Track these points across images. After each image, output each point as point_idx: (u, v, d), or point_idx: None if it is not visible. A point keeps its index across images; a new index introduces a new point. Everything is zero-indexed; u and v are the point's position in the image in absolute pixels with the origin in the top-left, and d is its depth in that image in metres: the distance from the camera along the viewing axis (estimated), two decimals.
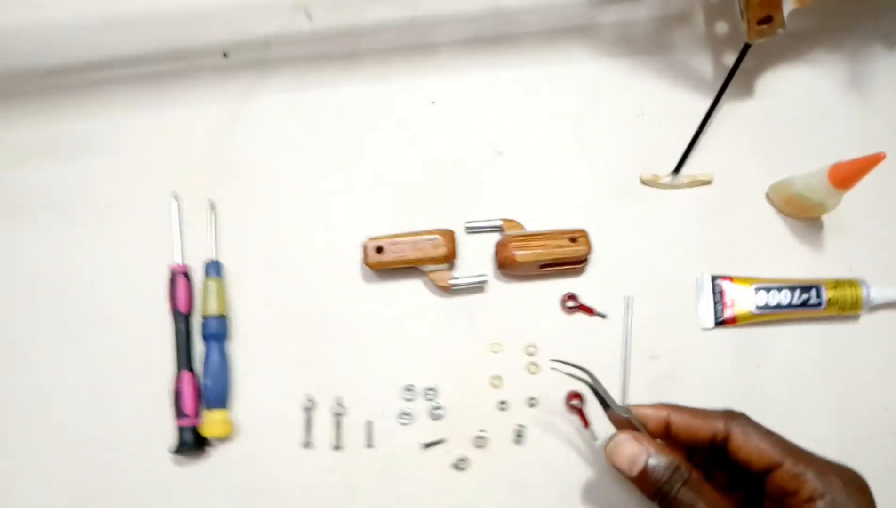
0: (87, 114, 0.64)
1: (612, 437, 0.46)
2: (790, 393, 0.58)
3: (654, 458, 0.43)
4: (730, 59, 0.63)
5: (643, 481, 0.44)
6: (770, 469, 0.42)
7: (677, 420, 0.46)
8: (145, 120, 0.64)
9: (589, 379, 0.49)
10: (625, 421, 0.46)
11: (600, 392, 0.48)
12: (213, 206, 0.61)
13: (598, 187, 0.62)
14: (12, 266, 0.62)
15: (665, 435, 0.46)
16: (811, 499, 0.40)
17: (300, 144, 0.63)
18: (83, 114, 0.64)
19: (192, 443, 0.56)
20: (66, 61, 0.65)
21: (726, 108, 0.63)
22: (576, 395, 0.58)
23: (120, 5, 0.65)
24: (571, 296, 0.60)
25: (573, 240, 0.58)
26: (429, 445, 0.58)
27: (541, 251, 0.57)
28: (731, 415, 0.45)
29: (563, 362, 0.51)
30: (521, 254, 0.57)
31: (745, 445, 0.43)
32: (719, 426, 0.44)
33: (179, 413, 0.56)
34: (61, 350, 0.60)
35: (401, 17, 0.65)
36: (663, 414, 0.46)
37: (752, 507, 0.45)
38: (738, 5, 0.56)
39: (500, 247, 0.58)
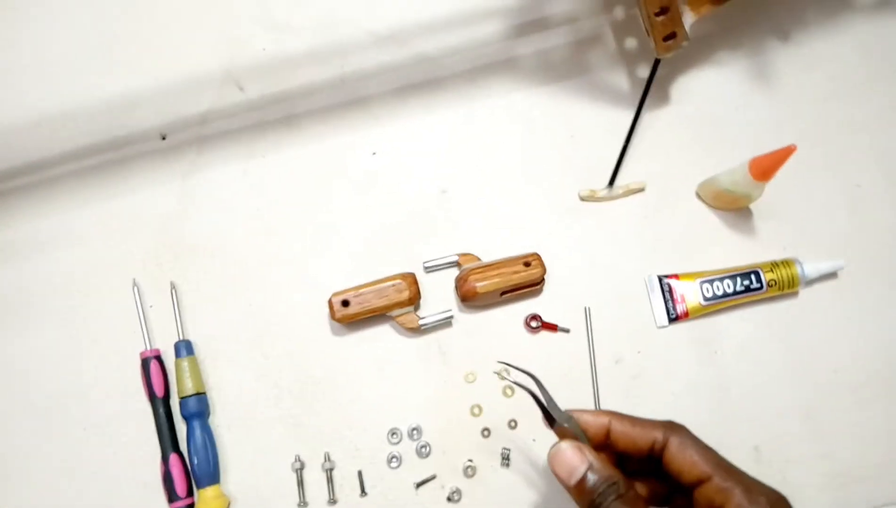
0: (36, 214, 0.64)
1: (554, 444, 0.46)
2: (748, 372, 0.62)
3: (593, 471, 0.44)
4: (643, 72, 0.68)
5: (580, 491, 0.44)
6: (700, 481, 0.42)
7: (617, 427, 0.46)
8: (95, 211, 0.64)
9: (535, 387, 0.49)
10: (568, 431, 0.47)
11: (544, 400, 0.48)
12: (174, 287, 0.62)
13: (541, 209, 0.65)
14: None
15: (605, 442, 0.47)
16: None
17: (251, 212, 0.65)
18: (31, 214, 0.64)
19: None
20: (8, 165, 0.65)
21: (648, 118, 0.67)
22: (534, 317, 0.61)
23: (51, 103, 0.66)
24: (534, 317, 0.62)
25: (527, 264, 0.61)
26: (421, 483, 0.59)
27: (499, 279, 0.60)
28: (671, 426, 0.45)
29: (509, 364, 0.52)
30: (481, 286, 0.60)
31: (679, 456, 0.43)
32: (658, 436, 0.45)
33: (172, 496, 0.57)
34: (43, 455, 0.59)
35: (330, 76, 0.68)
36: (604, 420, 0.47)
37: None
38: (644, 25, 0.60)
39: (461, 282, 0.61)
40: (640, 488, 0.47)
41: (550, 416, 0.48)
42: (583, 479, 0.44)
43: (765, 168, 0.57)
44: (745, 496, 0.41)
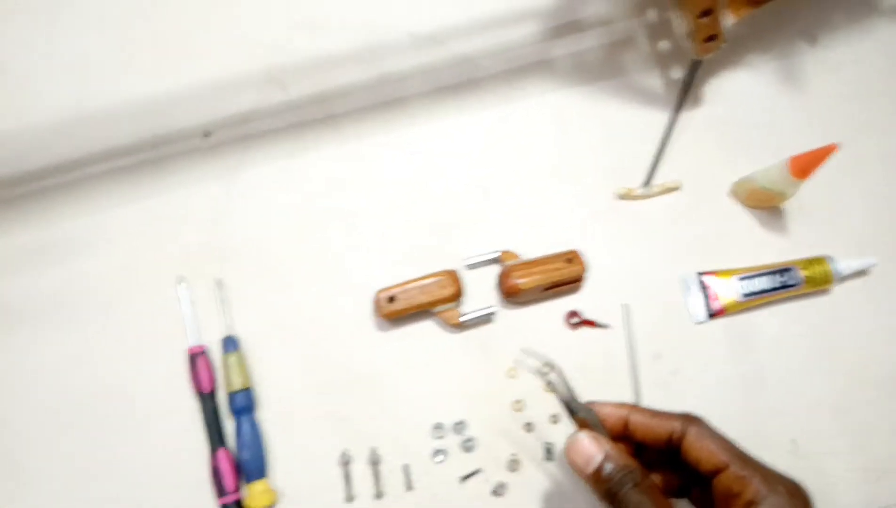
0: (79, 213, 0.65)
1: (571, 435, 0.47)
2: (783, 366, 0.63)
3: (610, 459, 0.45)
4: (677, 73, 0.69)
5: (596, 480, 0.45)
6: (718, 470, 0.43)
7: (636, 418, 0.47)
8: (139, 209, 0.65)
9: (555, 379, 0.49)
10: (586, 422, 0.48)
11: (564, 391, 0.49)
12: (219, 284, 0.62)
13: (579, 208, 0.66)
14: (26, 378, 0.61)
15: (623, 433, 0.48)
16: (752, 502, 0.41)
17: (294, 210, 0.65)
18: (74, 213, 0.65)
19: None
20: (51, 162, 0.65)
21: (682, 119, 0.68)
22: (573, 313, 0.62)
23: (94, 101, 0.66)
24: (574, 313, 0.63)
25: (569, 260, 0.62)
26: (466, 477, 0.60)
27: (541, 276, 0.61)
28: (688, 418, 0.46)
29: (531, 353, 0.52)
30: (523, 282, 0.61)
31: (697, 445, 0.44)
32: (676, 426, 0.45)
33: (221, 491, 0.57)
34: (93, 455, 0.59)
35: (368, 77, 0.69)
36: (623, 412, 0.48)
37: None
38: (684, 27, 0.61)
39: (503, 278, 0.62)
40: (656, 478, 0.48)
41: (570, 407, 0.49)
42: (599, 468, 0.45)
43: (804, 166, 0.58)
44: (762, 484, 0.41)
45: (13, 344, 0.62)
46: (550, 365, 0.51)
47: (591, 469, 0.45)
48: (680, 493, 0.49)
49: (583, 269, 0.62)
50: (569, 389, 0.49)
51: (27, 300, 0.63)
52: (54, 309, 0.62)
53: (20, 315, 0.62)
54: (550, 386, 0.49)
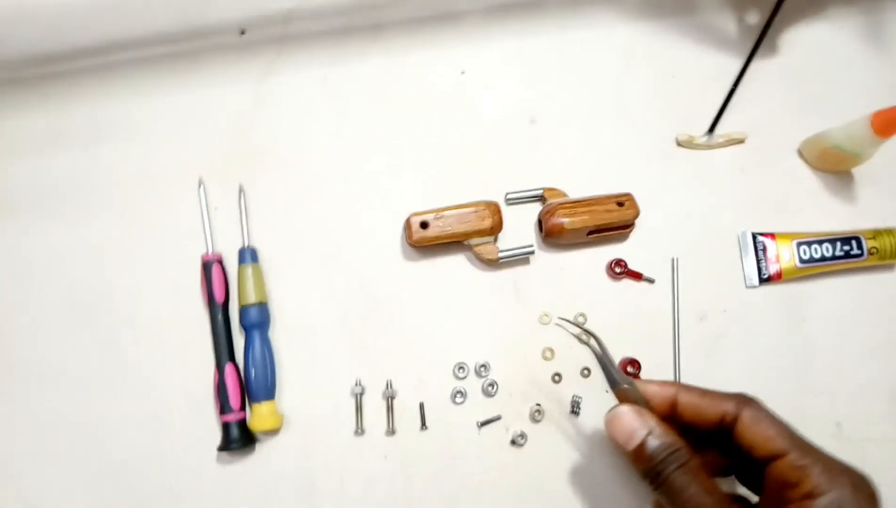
0: (104, 99, 0.61)
1: (612, 408, 0.44)
2: (836, 343, 0.58)
3: (654, 436, 0.41)
4: (752, 18, 0.64)
5: (638, 457, 0.42)
6: (774, 457, 0.40)
7: (685, 398, 0.44)
8: (164, 103, 0.61)
9: (597, 348, 0.47)
10: (629, 395, 0.45)
11: (606, 362, 0.46)
12: (242, 190, 0.58)
13: (634, 151, 0.61)
14: (35, 265, 0.58)
15: (670, 413, 0.44)
16: (811, 495, 0.37)
17: (328, 121, 0.61)
18: (100, 99, 0.61)
19: (240, 439, 0.53)
20: (81, 44, 0.61)
21: (753, 67, 0.63)
22: (631, 362, 0.57)
23: None
24: (619, 262, 0.59)
25: (621, 204, 0.57)
26: (485, 423, 0.56)
27: (588, 217, 0.56)
28: (743, 399, 0.43)
29: (570, 322, 0.50)
30: (568, 222, 0.56)
31: (753, 429, 0.41)
32: (730, 408, 0.42)
33: (224, 408, 0.53)
34: (95, 352, 0.56)
35: None
36: (671, 391, 0.44)
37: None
38: None
39: (546, 216, 0.57)
40: (702, 459, 0.44)
41: (612, 378, 0.45)
42: (642, 444, 0.42)
43: (889, 122, 0.53)
44: (824, 475, 0.38)
45: (30, 228, 0.59)
46: (590, 333, 0.48)
47: (633, 444, 0.42)
48: (726, 472, 0.46)
49: (636, 214, 0.57)
50: (610, 359, 0.46)
51: (48, 184, 0.60)
52: (71, 193, 0.59)
53: (39, 199, 0.59)
54: (592, 351, 0.47)
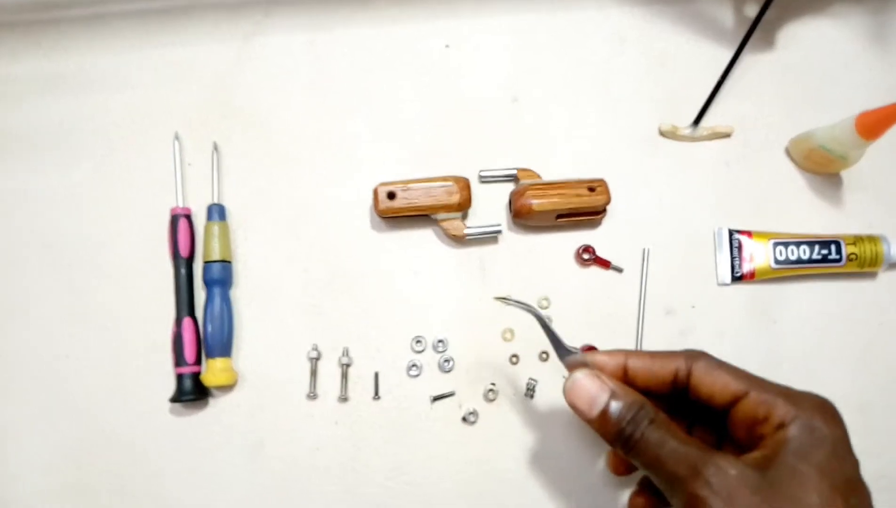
0: (88, 49, 0.61)
1: (569, 377, 0.43)
2: (806, 349, 0.57)
3: (616, 398, 0.40)
4: (751, 9, 0.62)
5: (604, 423, 0.40)
6: (736, 399, 0.39)
7: (635, 363, 0.42)
8: (148, 56, 0.61)
9: (543, 316, 0.46)
10: (580, 364, 0.43)
11: (554, 333, 0.45)
12: (216, 148, 0.58)
13: (614, 137, 0.60)
14: (11, 205, 0.59)
15: (622, 381, 0.43)
16: (782, 424, 0.37)
17: (309, 86, 0.61)
18: (84, 48, 0.61)
19: (192, 392, 0.54)
20: None
21: (747, 59, 0.61)
22: (591, 348, 0.56)
23: None
24: (587, 249, 0.58)
25: (592, 189, 0.56)
26: (438, 398, 0.56)
27: (558, 200, 0.55)
28: (692, 354, 0.42)
29: (508, 300, 0.49)
30: (538, 203, 0.55)
31: (709, 378, 0.40)
32: (681, 364, 0.41)
33: (179, 360, 0.54)
34: (57, 294, 0.57)
35: None
36: (620, 358, 0.43)
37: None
38: None
39: (517, 196, 0.56)
40: None
41: (560, 345, 0.45)
42: (606, 409, 0.40)
43: (874, 124, 0.51)
44: (788, 403, 0.37)
45: (9, 169, 0.60)
46: (533, 312, 0.47)
47: (596, 410, 0.41)
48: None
49: (607, 200, 0.56)
50: (557, 335, 0.45)
51: (30, 128, 0.60)
52: (48, 140, 0.60)
53: (23, 143, 0.60)
54: (538, 321, 0.46)
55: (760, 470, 0.35)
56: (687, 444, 0.37)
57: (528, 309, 0.47)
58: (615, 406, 0.40)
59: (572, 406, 0.42)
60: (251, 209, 0.58)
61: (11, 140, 0.60)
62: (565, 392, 0.42)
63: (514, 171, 0.58)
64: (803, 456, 0.35)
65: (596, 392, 0.41)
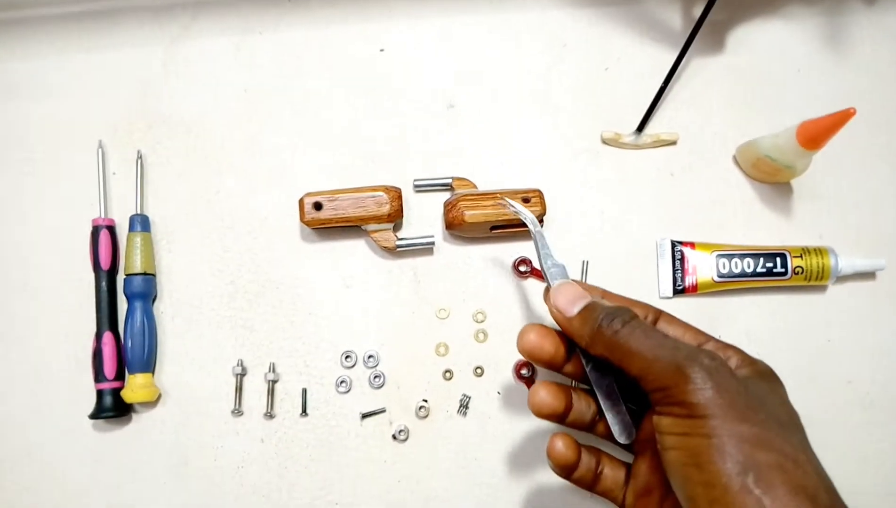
0: (10, 55, 0.59)
1: (557, 283, 0.43)
2: None
3: (601, 302, 0.41)
4: (700, 11, 0.59)
5: (584, 317, 0.40)
6: (699, 345, 0.41)
7: (612, 298, 0.44)
8: (72, 62, 0.59)
9: (538, 234, 0.46)
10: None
11: (543, 246, 0.45)
12: (140, 156, 0.57)
13: (555, 145, 0.58)
14: None
15: None
16: (740, 366, 0.39)
17: (237, 92, 0.59)
18: (9, 54, 0.59)
19: (113, 408, 0.52)
20: None
21: (695, 64, 0.59)
22: (525, 365, 0.54)
23: None
24: (524, 261, 0.56)
25: (526, 200, 0.54)
26: (367, 415, 0.54)
27: (491, 211, 0.54)
28: (655, 307, 0.43)
29: (511, 204, 0.49)
30: (470, 215, 0.53)
31: (674, 325, 0.42)
32: (649, 311, 0.43)
33: (99, 376, 0.53)
34: None
35: None
36: (597, 292, 0.44)
37: None
38: None
39: (449, 207, 0.54)
40: None
41: (550, 260, 0.45)
42: (589, 304, 0.40)
43: (815, 134, 0.49)
44: (744, 355, 0.40)
45: None
46: (529, 219, 0.47)
47: (577, 308, 0.41)
48: None
49: (542, 212, 0.54)
50: (548, 253, 0.45)
51: None
52: None
53: None
54: (533, 237, 0.46)
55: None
56: (675, 338, 0.38)
57: (524, 216, 0.47)
58: (600, 302, 0.41)
59: (553, 306, 0.42)
60: (176, 220, 0.57)
61: None
62: (550, 295, 0.43)
63: (450, 180, 0.56)
64: (768, 385, 0.38)
65: (581, 294, 0.42)
